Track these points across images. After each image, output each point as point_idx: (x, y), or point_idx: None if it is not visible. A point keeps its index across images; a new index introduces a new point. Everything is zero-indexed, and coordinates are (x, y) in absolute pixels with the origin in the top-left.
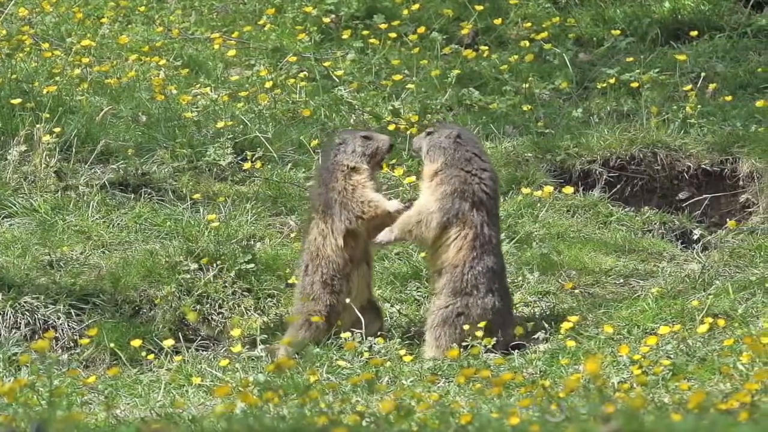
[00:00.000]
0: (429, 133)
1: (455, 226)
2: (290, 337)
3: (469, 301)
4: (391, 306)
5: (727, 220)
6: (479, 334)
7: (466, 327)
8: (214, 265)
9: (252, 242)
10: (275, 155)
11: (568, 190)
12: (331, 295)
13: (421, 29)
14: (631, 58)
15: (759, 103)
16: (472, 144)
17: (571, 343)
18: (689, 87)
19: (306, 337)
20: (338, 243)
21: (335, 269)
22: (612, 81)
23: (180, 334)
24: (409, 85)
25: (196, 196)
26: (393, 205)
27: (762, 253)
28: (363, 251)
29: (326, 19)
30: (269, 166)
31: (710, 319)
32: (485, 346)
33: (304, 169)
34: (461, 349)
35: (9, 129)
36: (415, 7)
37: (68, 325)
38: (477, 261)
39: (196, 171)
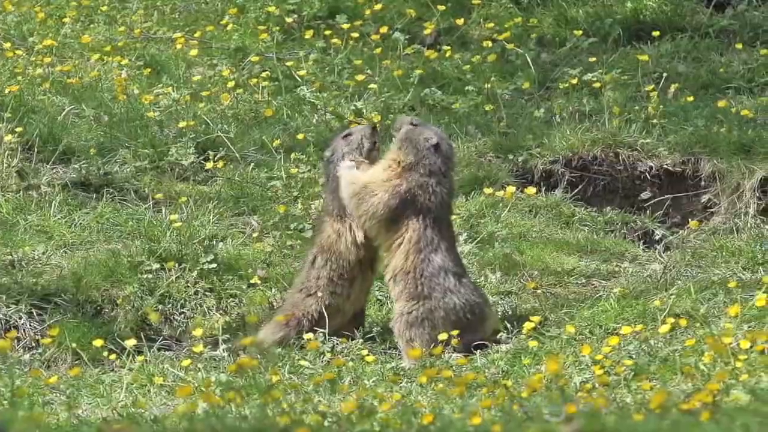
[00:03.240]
0: (414, 125)
1: (397, 229)
2: (270, 332)
3: (431, 305)
4: None
5: (689, 220)
6: (443, 337)
7: (443, 336)
8: (177, 265)
9: (214, 242)
10: (237, 155)
11: (531, 190)
12: (331, 295)
13: (384, 29)
14: (594, 59)
15: (721, 104)
16: (444, 158)
17: (533, 343)
18: (651, 87)
19: (291, 335)
20: (358, 240)
21: (344, 267)
22: (574, 81)
23: (142, 333)
24: (372, 85)
25: (158, 196)
26: None
27: (723, 253)
28: (372, 257)
29: (288, 19)
30: (231, 166)
31: (672, 319)
32: (454, 347)
33: (266, 169)
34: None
35: None
36: (378, 7)
37: (30, 325)
38: (426, 264)
39: (158, 171)
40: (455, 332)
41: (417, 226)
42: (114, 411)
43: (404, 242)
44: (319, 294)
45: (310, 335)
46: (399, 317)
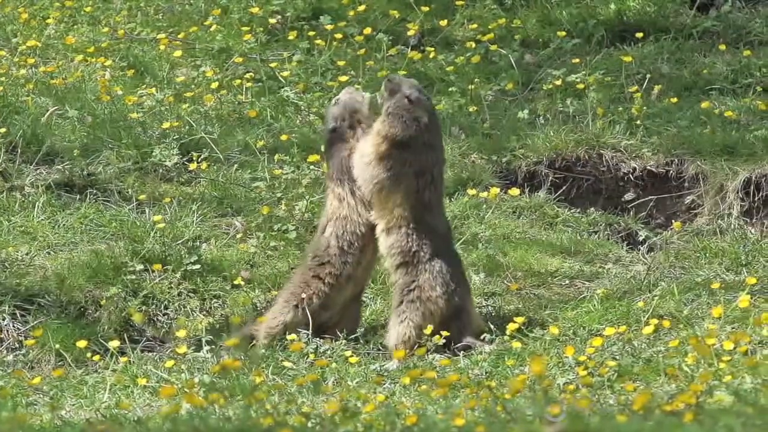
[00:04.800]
0: (410, 100)
1: (397, 191)
2: (278, 314)
3: (418, 269)
4: None
5: (673, 221)
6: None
7: (429, 328)
8: (160, 266)
9: (198, 243)
10: (221, 156)
11: (514, 191)
12: (341, 257)
13: (368, 30)
14: (577, 60)
15: (704, 105)
16: (434, 131)
17: (516, 345)
18: (635, 88)
19: (298, 316)
20: (356, 203)
21: (353, 234)
22: (558, 82)
23: (125, 335)
24: (356, 86)
25: (142, 197)
26: None
27: (707, 254)
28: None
29: (272, 20)
30: (215, 167)
31: (655, 321)
32: (436, 343)
33: (250, 170)
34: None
35: None
36: (362, 8)
37: (13, 326)
38: (418, 223)
39: (142, 172)
40: (444, 332)
41: (417, 187)
42: (97, 412)
43: (403, 201)
44: (331, 257)
45: (294, 336)
46: (394, 289)
